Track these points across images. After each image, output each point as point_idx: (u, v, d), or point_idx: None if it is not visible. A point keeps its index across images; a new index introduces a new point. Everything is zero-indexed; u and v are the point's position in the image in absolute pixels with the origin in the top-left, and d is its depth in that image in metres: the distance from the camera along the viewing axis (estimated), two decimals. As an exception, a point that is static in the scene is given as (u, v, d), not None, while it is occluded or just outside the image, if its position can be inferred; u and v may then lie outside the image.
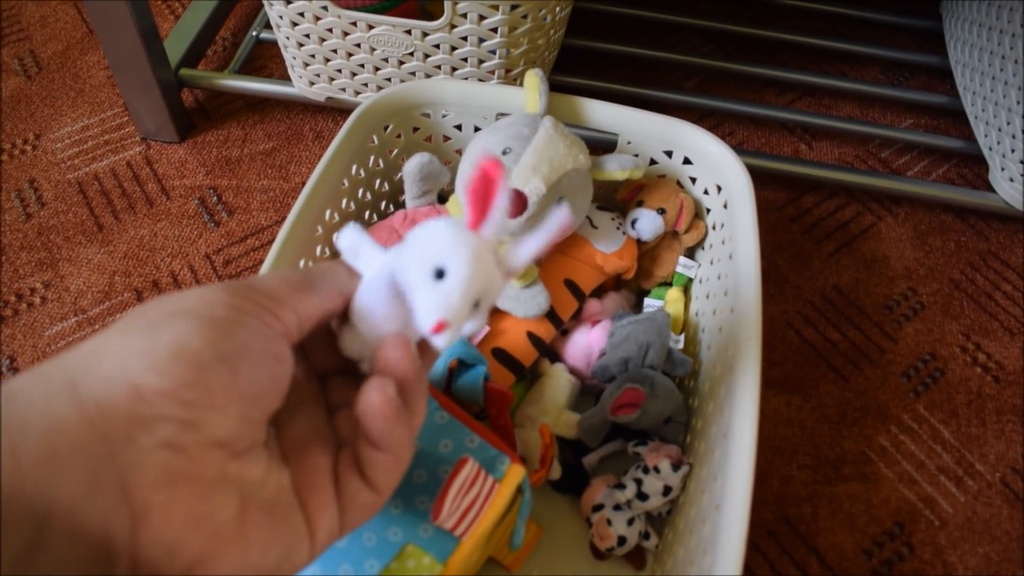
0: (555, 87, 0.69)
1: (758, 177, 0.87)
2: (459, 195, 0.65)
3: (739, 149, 0.91)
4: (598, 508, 0.60)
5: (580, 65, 0.95)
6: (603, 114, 0.69)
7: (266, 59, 0.99)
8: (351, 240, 0.35)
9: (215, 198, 0.85)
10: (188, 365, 0.27)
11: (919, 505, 0.68)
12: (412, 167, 0.66)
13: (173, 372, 0.27)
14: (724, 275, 0.63)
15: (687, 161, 0.69)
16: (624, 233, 0.69)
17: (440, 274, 0.32)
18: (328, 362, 0.37)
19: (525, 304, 0.63)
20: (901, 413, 0.73)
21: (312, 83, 0.84)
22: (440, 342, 0.32)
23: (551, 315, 0.65)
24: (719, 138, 0.67)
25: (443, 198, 0.71)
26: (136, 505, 0.26)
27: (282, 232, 0.59)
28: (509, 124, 0.64)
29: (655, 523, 0.62)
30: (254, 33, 0.97)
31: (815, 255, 0.83)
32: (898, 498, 0.68)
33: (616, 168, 0.66)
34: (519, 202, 0.59)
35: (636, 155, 0.70)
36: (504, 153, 0.61)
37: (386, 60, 0.77)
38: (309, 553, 0.31)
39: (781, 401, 0.73)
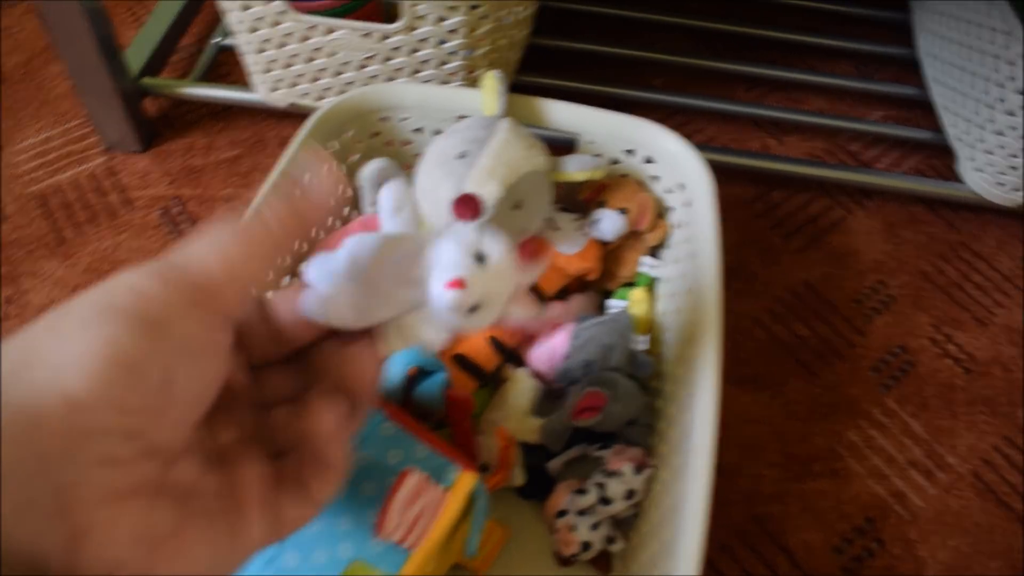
0: (522, 87, 0.68)
1: (727, 173, 0.86)
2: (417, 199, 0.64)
3: (708, 146, 0.90)
4: (562, 514, 0.59)
5: (547, 65, 0.95)
6: (563, 114, 0.68)
7: (231, 65, 0.98)
8: (396, 196, 0.36)
9: (178, 208, 0.84)
10: (125, 369, 0.25)
11: (889, 500, 0.68)
12: (368, 173, 0.66)
13: (109, 378, 0.25)
14: (686, 274, 0.63)
15: (649, 160, 0.69)
16: (586, 234, 0.68)
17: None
18: (265, 352, 0.35)
19: (486, 309, 0.63)
20: (871, 407, 0.73)
21: (274, 89, 0.83)
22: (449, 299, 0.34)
23: (514, 319, 0.65)
24: (683, 136, 0.66)
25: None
26: (77, 523, 0.24)
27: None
28: (466, 127, 0.63)
29: (622, 527, 0.62)
30: (217, 39, 0.97)
31: (784, 250, 0.83)
32: (868, 493, 0.68)
33: (576, 169, 0.65)
34: (475, 207, 0.58)
35: (598, 155, 0.70)
36: (461, 157, 0.60)
37: (347, 64, 0.77)
38: (241, 558, 0.30)
39: (749, 399, 0.73)
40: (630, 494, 0.57)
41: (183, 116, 0.93)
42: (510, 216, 0.61)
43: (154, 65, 0.91)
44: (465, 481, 0.49)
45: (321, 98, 0.81)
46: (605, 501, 0.57)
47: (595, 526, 0.58)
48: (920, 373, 0.75)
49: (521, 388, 0.65)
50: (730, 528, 0.66)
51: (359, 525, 0.46)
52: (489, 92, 0.65)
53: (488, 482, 0.58)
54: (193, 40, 1.01)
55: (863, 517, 0.67)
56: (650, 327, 0.69)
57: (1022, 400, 0.73)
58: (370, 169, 0.66)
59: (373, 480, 0.48)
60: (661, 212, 0.70)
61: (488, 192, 0.59)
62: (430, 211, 0.62)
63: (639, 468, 0.57)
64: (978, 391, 0.74)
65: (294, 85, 0.81)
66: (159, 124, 0.92)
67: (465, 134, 0.62)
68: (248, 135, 0.91)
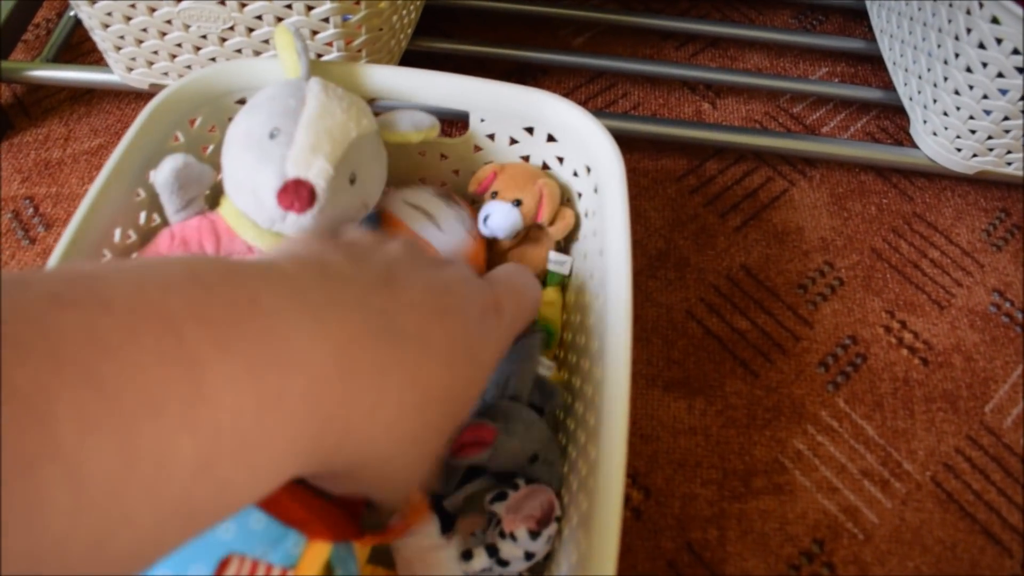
0: (420, 54, 0.57)
1: (656, 144, 0.77)
2: (231, 195, 0.53)
3: (633, 114, 0.80)
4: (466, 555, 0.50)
5: (450, 27, 0.84)
6: (449, 88, 0.58)
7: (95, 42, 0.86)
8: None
9: (31, 210, 0.73)
10: None
11: (840, 517, 0.60)
12: (164, 176, 0.52)
13: None
14: (594, 274, 0.54)
15: (551, 138, 0.59)
16: (468, 229, 0.58)
17: None
18: None
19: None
20: (819, 410, 0.64)
21: (130, 69, 0.72)
22: None
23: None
24: (607, 102, 0.58)
25: (214, 201, 0.58)
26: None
27: (51, 262, 0.48)
28: (270, 98, 0.51)
29: (533, 570, 0.53)
30: (72, 13, 0.85)
31: (720, 231, 0.74)
32: (816, 510, 0.60)
33: (410, 128, 0.55)
34: (306, 194, 0.48)
35: (491, 133, 0.60)
36: (273, 136, 0.49)
37: (205, 37, 0.66)
38: None
39: (682, 406, 0.64)
40: (529, 556, 0.48)
41: (40, 102, 0.81)
42: (348, 193, 0.51)
43: (3, 45, 0.79)
44: (314, 554, 0.40)
45: (182, 77, 0.70)
46: (502, 563, 0.48)
47: (495, 584, 0.49)
48: (873, 367, 0.66)
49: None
50: (661, 559, 0.57)
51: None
52: (285, 49, 0.53)
53: (387, 535, 0.48)
54: (54, 14, 0.89)
55: (811, 539, 0.59)
56: (562, 333, 0.60)
57: (986, 393, 0.65)
58: (166, 171, 0.52)
59: (202, 562, 0.39)
60: (569, 198, 0.61)
61: (317, 173, 0.48)
62: (248, 206, 0.51)
63: (535, 533, 0.47)
64: (937, 384, 0.66)
65: (151, 64, 0.70)
66: (13, 112, 0.81)
67: (271, 106, 0.51)
68: (112, 121, 0.80)
